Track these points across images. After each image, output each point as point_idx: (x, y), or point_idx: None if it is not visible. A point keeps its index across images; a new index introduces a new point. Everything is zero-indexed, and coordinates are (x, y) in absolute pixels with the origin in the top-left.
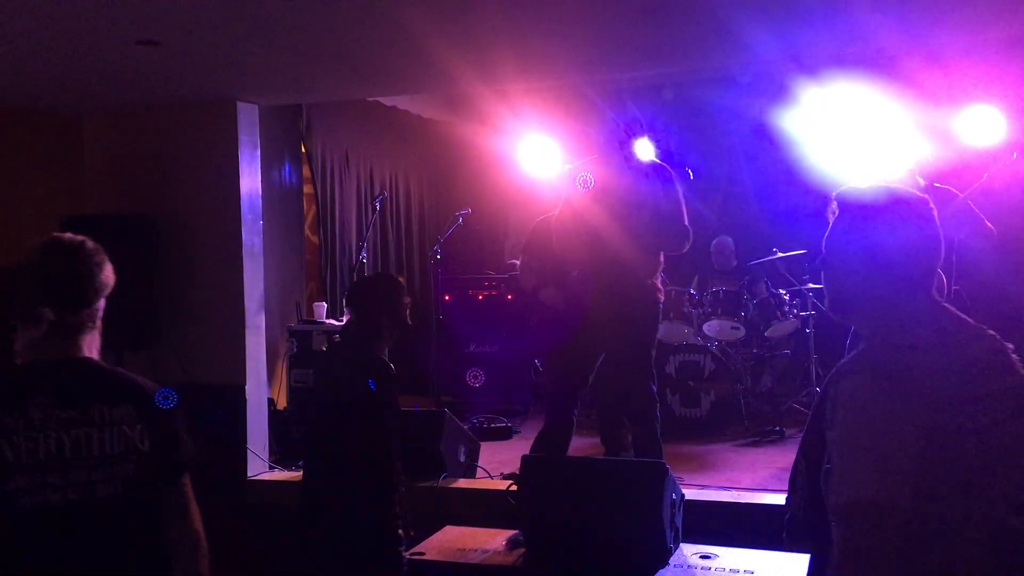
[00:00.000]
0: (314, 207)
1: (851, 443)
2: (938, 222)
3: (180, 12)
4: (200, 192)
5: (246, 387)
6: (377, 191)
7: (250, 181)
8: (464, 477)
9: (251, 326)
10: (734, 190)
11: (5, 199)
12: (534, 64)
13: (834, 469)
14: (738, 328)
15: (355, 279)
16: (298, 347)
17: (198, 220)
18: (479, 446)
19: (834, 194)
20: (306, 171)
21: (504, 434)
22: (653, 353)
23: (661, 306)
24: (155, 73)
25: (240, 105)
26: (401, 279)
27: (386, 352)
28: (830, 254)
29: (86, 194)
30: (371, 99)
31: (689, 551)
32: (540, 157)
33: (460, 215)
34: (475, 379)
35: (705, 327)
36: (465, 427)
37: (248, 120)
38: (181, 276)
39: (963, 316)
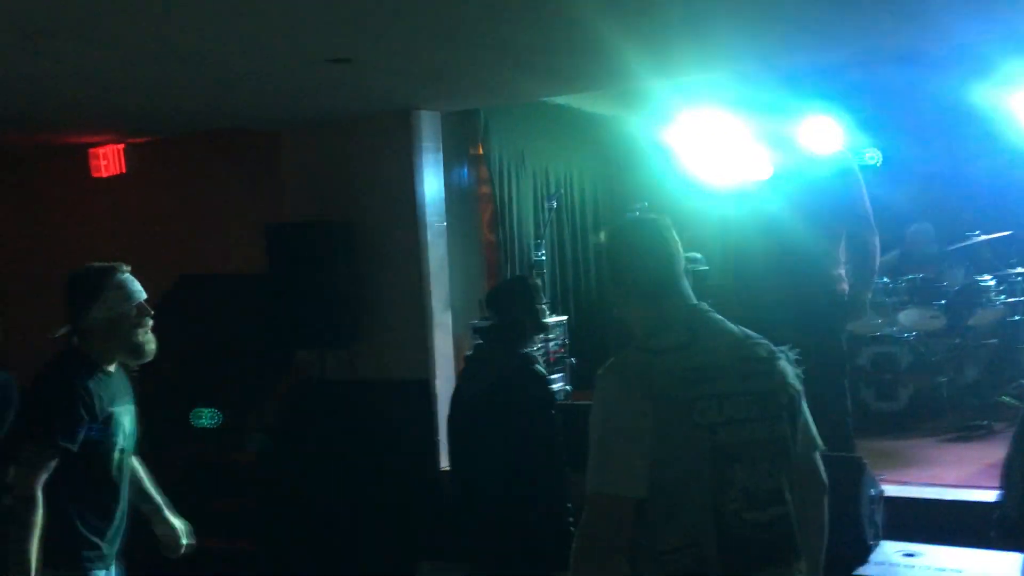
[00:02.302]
0: (491, 207)
1: (597, 440)
2: (670, 236)
3: (370, 28)
4: (387, 197)
5: (436, 382)
6: (552, 189)
7: (433, 185)
8: None
9: (438, 324)
10: (929, 171)
11: (215, 211)
12: (713, 54)
13: (589, 462)
14: (938, 317)
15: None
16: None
17: (386, 224)
18: None
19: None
20: (483, 172)
21: None
22: (844, 346)
23: (847, 297)
24: (345, 88)
25: (422, 113)
26: (537, 282)
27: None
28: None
29: (285, 204)
30: (540, 99)
31: (891, 549)
32: (714, 147)
33: (636, 209)
34: None
35: (901, 317)
36: None
37: (430, 127)
38: (373, 278)
39: (726, 323)
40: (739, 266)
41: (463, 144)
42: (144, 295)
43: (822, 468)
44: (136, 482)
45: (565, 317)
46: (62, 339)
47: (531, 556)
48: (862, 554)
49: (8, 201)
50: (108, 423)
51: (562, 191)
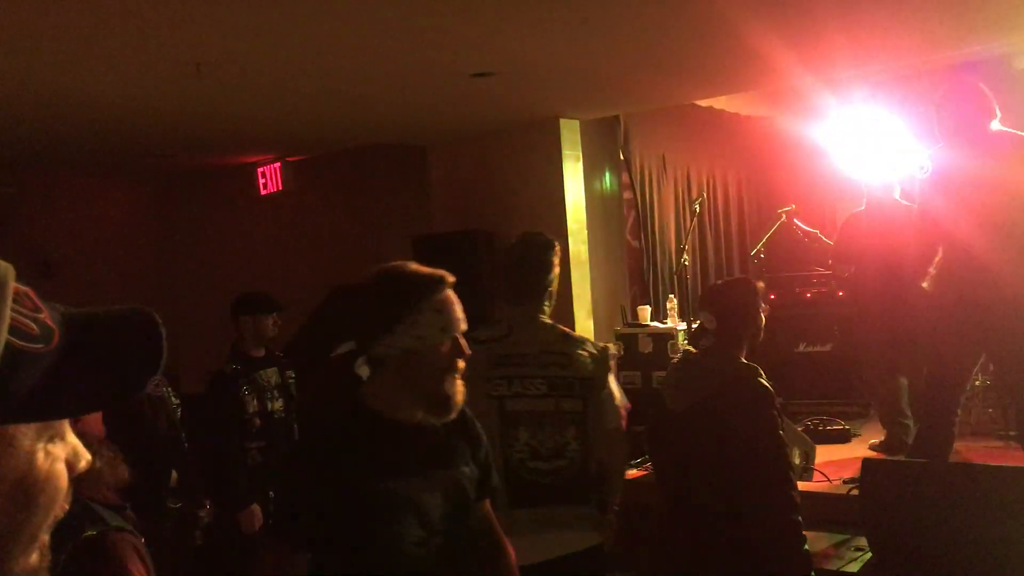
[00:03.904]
0: (634, 212)
1: None
2: (546, 255)
3: (511, 43)
4: (529, 206)
5: None
6: (694, 193)
7: (574, 192)
8: (800, 480)
9: (580, 331)
10: None
11: (366, 223)
12: (869, 48)
13: None
14: None
15: (712, 283)
16: (625, 350)
17: (529, 231)
18: (815, 449)
19: None
20: (625, 178)
21: (841, 437)
22: None
23: None
24: (487, 102)
25: (563, 122)
26: (760, 284)
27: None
28: None
29: (432, 215)
30: (686, 102)
31: None
32: (868, 145)
33: (783, 212)
34: (806, 380)
35: None
36: (799, 429)
37: (570, 135)
38: None
39: (548, 327)
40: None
41: (605, 151)
42: (464, 325)
43: (620, 439)
44: None
45: None
46: (340, 365)
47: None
48: None
49: (183, 218)
50: (384, 503)
51: (705, 194)
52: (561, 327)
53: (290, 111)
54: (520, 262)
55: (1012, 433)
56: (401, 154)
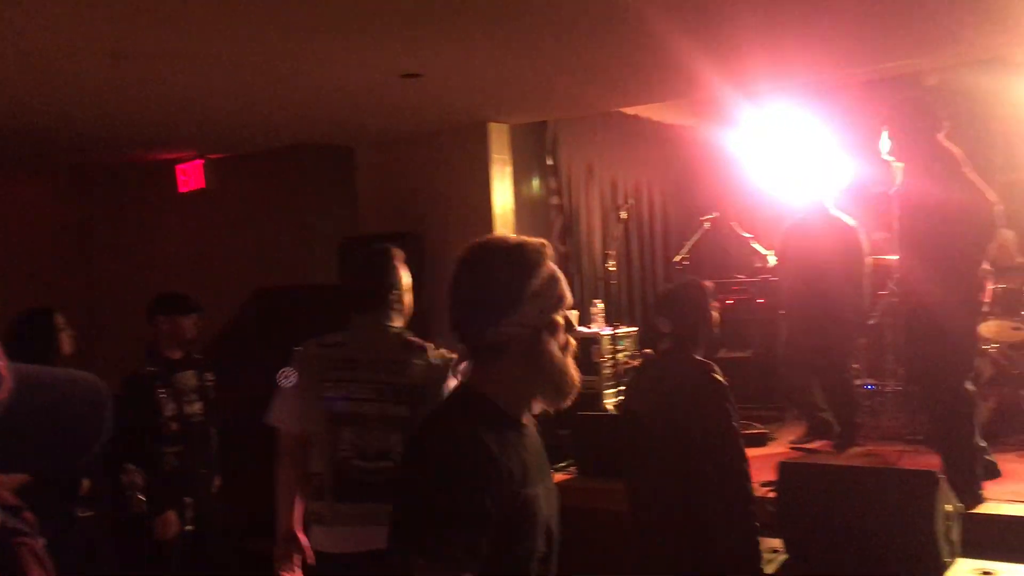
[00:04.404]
0: (561, 218)
1: (276, 391)
2: (391, 265)
3: (441, 45)
4: (457, 209)
5: None
6: (620, 199)
7: (502, 196)
8: None
9: None
10: (1013, 178)
11: (291, 224)
12: (787, 63)
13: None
14: (1021, 328)
15: (667, 288)
16: None
17: (457, 234)
18: None
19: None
20: (553, 183)
21: (759, 441)
22: (971, 348)
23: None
24: (416, 103)
25: (492, 126)
26: (709, 283)
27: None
28: None
29: (360, 217)
30: (612, 110)
31: (967, 567)
32: (792, 156)
33: (706, 220)
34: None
35: (982, 328)
36: None
37: (499, 139)
38: (444, 288)
39: (390, 335)
40: None
41: (534, 156)
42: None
43: None
44: None
45: (635, 328)
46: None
47: (715, 568)
48: (936, 571)
49: (101, 216)
50: (521, 516)
51: (631, 201)
52: (409, 336)
53: (212, 108)
54: (360, 271)
55: (920, 437)
56: (328, 155)
